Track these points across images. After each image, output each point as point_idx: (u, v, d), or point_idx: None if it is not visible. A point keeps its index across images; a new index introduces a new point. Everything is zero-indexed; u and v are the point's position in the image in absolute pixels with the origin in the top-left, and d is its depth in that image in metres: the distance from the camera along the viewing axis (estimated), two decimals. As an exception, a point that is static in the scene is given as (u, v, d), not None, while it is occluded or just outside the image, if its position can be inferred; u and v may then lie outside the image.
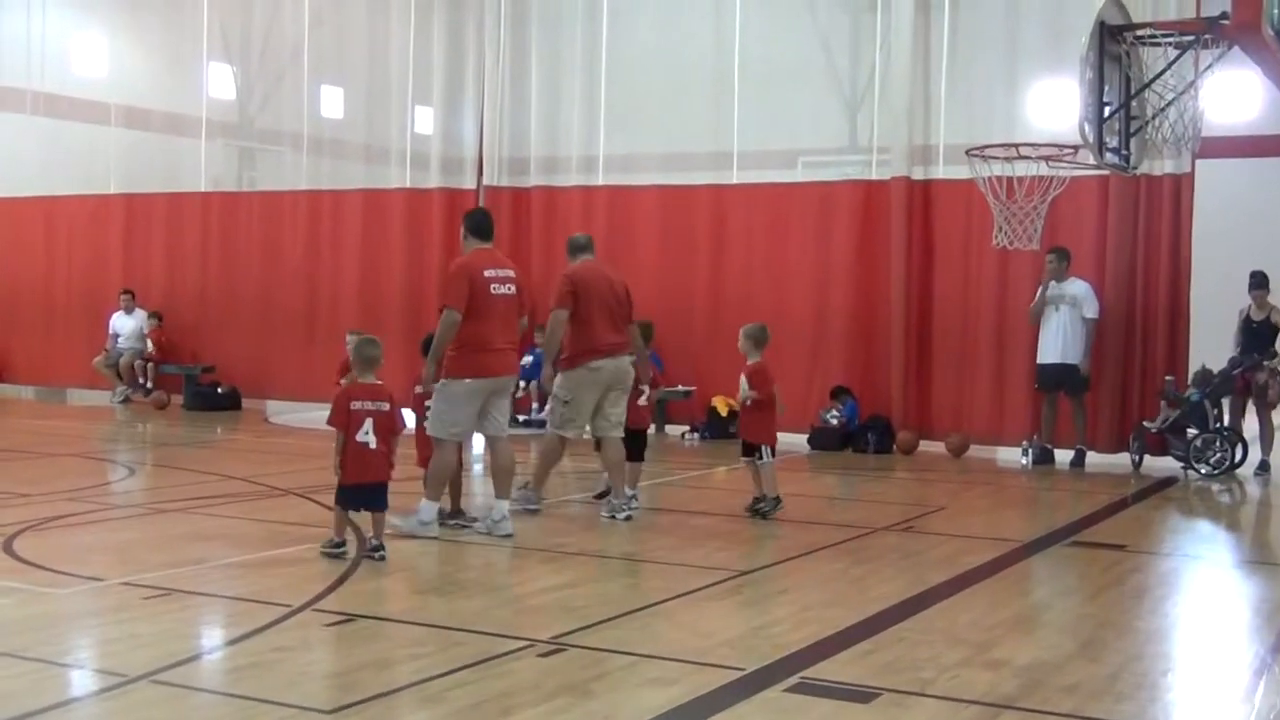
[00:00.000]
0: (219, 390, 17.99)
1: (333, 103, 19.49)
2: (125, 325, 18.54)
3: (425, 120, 17.83)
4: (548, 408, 10.27)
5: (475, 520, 9.15)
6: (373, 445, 7.72)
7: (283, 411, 17.45)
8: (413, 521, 8.77)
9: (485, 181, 16.98)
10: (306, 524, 9.17)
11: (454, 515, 9.22)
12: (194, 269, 18.70)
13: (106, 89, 19.93)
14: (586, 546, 8.77)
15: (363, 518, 8.09)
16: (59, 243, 19.52)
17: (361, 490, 7.81)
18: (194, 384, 18.03)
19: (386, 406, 7.83)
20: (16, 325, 19.42)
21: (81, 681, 5.68)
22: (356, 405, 7.77)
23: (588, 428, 9.91)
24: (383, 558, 7.83)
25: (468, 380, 8.79)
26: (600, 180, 16.48)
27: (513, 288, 9.04)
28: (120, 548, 8.55)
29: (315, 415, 16.97)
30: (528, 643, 6.08)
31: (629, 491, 9.91)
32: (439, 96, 17.52)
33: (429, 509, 8.83)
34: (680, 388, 15.64)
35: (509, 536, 8.82)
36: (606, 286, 9.75)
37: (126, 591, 7.09)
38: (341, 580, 7.38)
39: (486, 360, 8.84)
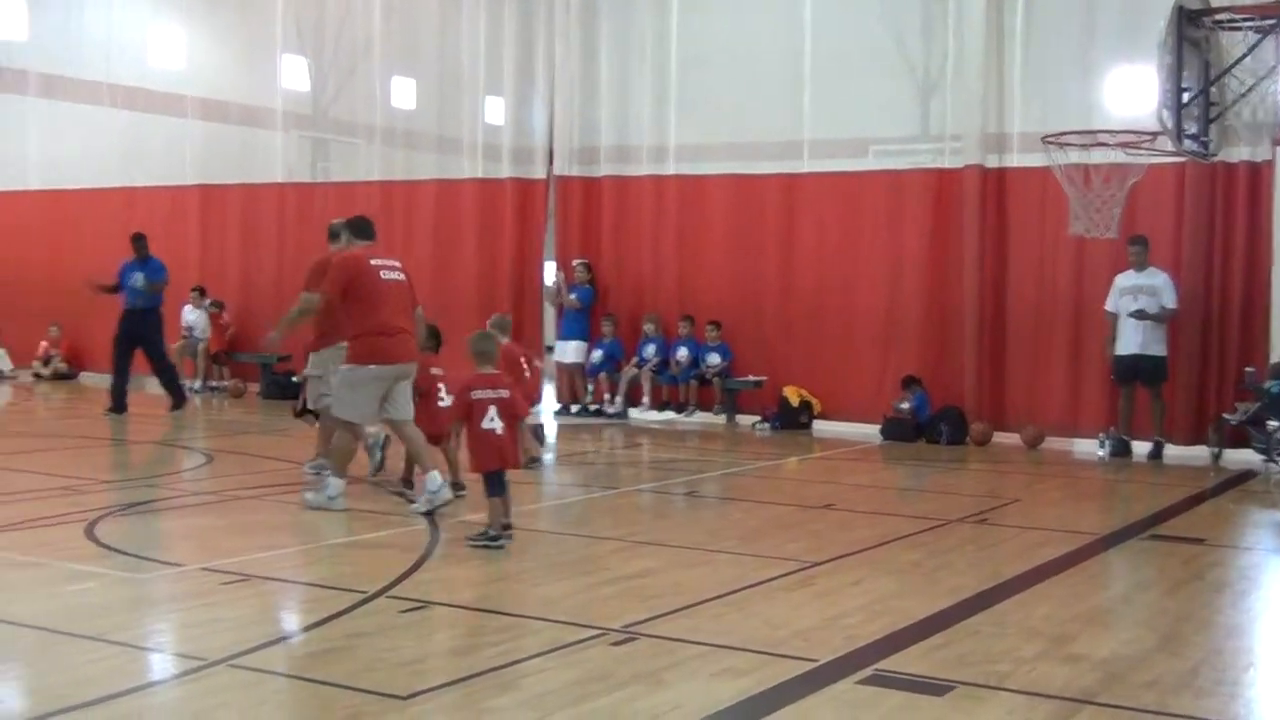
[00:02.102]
0: (294, 379, 18.16)
1: (405, 94, 19.60)
2: (195, 318, 18.83)
3: (496, 110, 17.91)
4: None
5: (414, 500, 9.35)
6: (499, 431, 7.94)
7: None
8: (322, 497, 9.19)
9: (556, 171, 17.04)
10: (379, 511, 9.27)
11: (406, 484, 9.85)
12: (269, 259, 18.92)
13: (184, 82, 20.18)
14: (657, 536, 8.78)
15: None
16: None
17: (500, 475, 8.01)
18: (269, 373, 18.24)
19: (506, 394, 8.08)
20: (97, 314, 19.70)
21: (162, 665, 5.76)
22: (478, 395, 8.01)
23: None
24: (510, 539, 8.05)
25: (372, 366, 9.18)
26: (670, 169, 16.47)
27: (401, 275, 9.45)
28: (199, 534, 8.68)
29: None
30: (600, 631, 6.09)
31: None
32: (510, 87, 17.60)
33: (337, 484, 9.22)
34: (751, 378, 15.61)
35: (449, 502, 9.02)
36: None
37: (205, 577, 7.19)
38: (415, 567, 7.44)
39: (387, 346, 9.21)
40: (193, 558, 7.77)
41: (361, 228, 9.86)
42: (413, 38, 19.06)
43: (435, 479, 9.04)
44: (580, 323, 16.69)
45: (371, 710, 5.00)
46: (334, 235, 10.94)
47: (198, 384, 18.63)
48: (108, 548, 7.85)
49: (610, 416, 16.16)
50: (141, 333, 15.38)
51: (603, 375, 16.49)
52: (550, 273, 17.34)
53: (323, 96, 20.46)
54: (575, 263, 16.73)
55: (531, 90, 17.41)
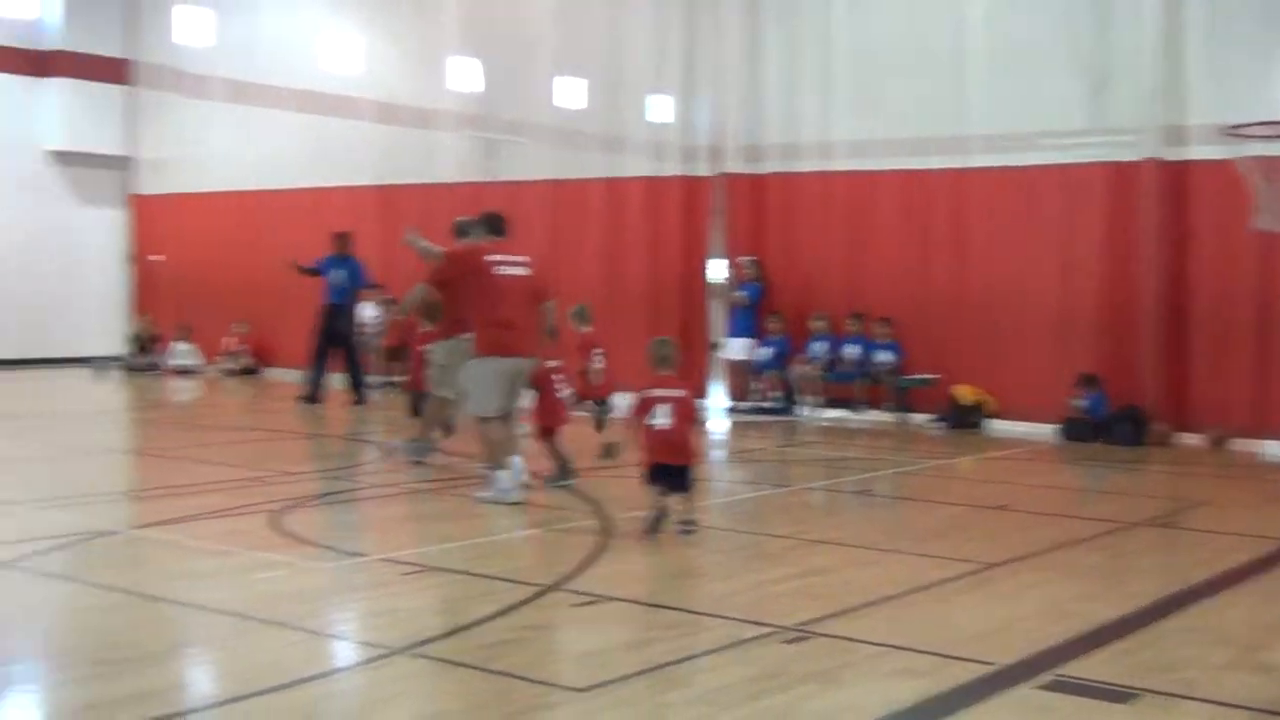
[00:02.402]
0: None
1: (573, 93, 19.81)
2: (369, 315, 19.27)
3: (663, 109, 17.99)
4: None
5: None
6: (668, 427, 8.24)
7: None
8: (494, 492, 9.40)
9: (722, 168, 17.05)
10: (555, 505, 9.39)
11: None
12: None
13: (360, 85, 20.69)
14: (829, 535, 8.73)
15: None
16: (323, 233, 20.37)
17: (667, 471, 8.27)
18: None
19: (682, 394, 8.44)
20: (284, 312, 20.31)
21: (346, 652, 5.93)
22: (653, 394, 8.41)
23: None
24: (692, 531, 8.28)
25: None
26: (837, 165, 16.34)
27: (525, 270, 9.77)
28: (380, 525, 8.92)
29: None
30: (773, 629, 6.08)
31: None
32: (676, 84, 17.65)
33: (504, 477, 9.42)
34: (922, 375, 15.40)
35: (520, 504, 9.39)
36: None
37: (386, 567, 7.37)
38: (589, 562, 7.52)
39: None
40: (374, 549, 7.98)
41: (494, 224, 10.14)
42: (581, 37, 19.23)
43: (508, 472, 9.41)
44: (748, 320, 16.67)
45: (549, 701, 5.07)
46: (461, 232, 11.23)
47: (376, 380, 19.07)
48: (294, 537, 8.11)
49: (779, 414, 16.11)
50: (339, 328, 16.13)
51: (771, 372, 16.45)
52: (719, 270, 17.35)
53: (493, 97, 20.79)
54: (744, 260, 16.72)
55: (698, 88, 17.45)
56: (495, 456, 9.55)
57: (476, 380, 9.60)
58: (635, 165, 18.03)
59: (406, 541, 8.17)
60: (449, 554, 7.79)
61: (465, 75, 20.50)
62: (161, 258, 23.05)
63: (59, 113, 23.23)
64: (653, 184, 17.59)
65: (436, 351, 11.15)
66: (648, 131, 17.98)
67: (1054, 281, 14.70)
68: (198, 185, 22.34)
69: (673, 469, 8.24)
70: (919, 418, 15.35)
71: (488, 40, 20.23)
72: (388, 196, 19.89)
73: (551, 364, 10.17)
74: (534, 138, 19.56)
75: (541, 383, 10.03)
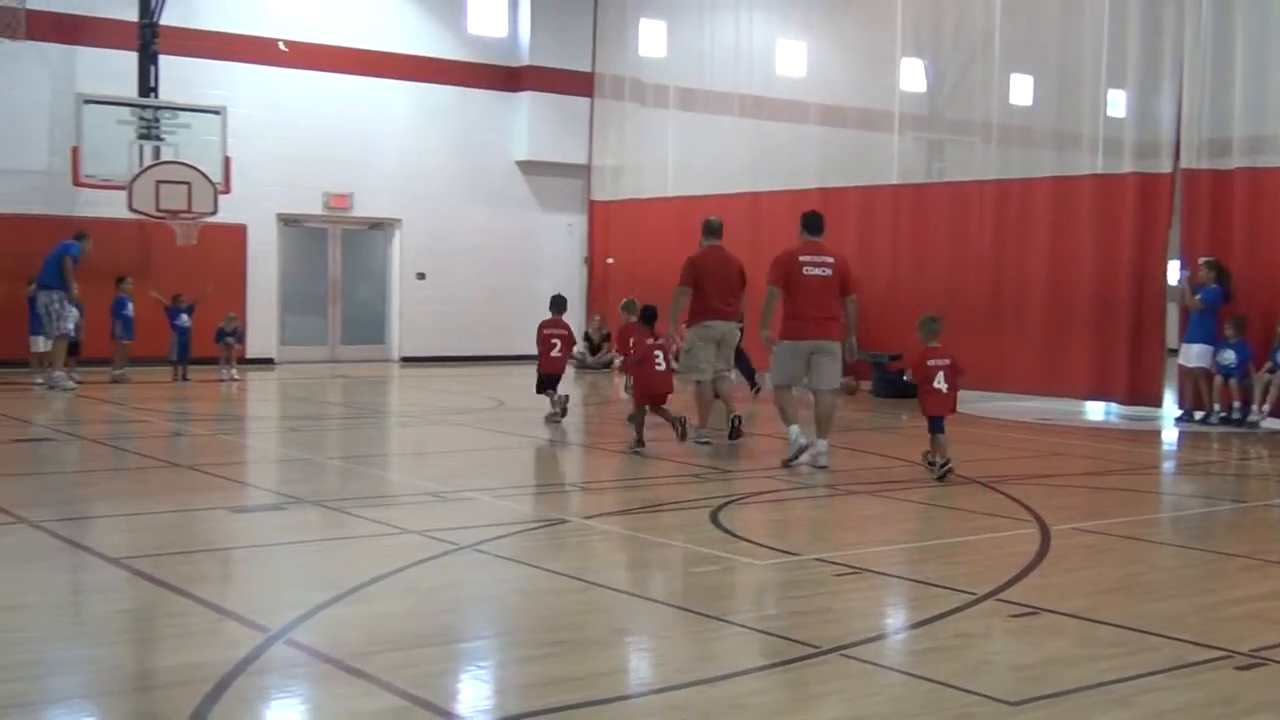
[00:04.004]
0: (905, 378, 18.35)
1: (1022, 90, 19.29)
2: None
3: (1118, 103, 17.22)
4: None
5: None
6: (944, 390, 10.80)
7: (971, 400, 17.51)
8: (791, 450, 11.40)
9: (1182, 164, 16.11)
10: (992, 513, 9.20)
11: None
12: (884, 259, 19.23)
13: (806, 89, 20.94)
14: (1293, 556, 8.11)
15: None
16: (762, 236, 20.78)
17: (939, 421, 10.82)
18: (882, 371, 18.55)
19: (948, 361, 10.89)
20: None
21: (777, 649, 6.01)
22: (931, 363, 10.86)
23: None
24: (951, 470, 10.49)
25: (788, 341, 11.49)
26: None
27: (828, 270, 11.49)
28: (814, 525, 9.01)
29: (1002, 405, 16.98)
30: (1224, 653, 5.72)
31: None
32: (1133, 78, 16.85)
33: (795, 430, 11.40)
34: None
35: (825, 469, 11.07)
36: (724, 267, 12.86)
37: (819, 567, 7.43)
38: (1027, 571, 7.32)
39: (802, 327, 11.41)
40: (807, 548, 8.07)
41: (810, 223, 11.91)
42: (1032, 33, 18.72)
43: (793, 432, 11.37)
44: (1205, 325, 15.68)
45: (981, 713, 4.97)
46: (710, 231, 13.21)
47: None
48: (730, 533, 8.31)
49: (1239, 424, 15.09)
50: None
51: (1231, 381, 15.42)
52: (1174, 272, 16.45)
53: (939, 97, 20.55)
54: (1201, 261, 15.74)
55: (1157, 80, 16.57)
56: (783, 418, 11.53)
57: (778, 358, 11.56)
58: (1087, 162, 17.35)
59: (841, 542, 8.22)
60: (884, 557, 7.77)
61: (912, 75, 20.37)
62: (612, 260, 24.18)
63: (527, 125, 24.80)
64: (1105, 181, 16.87)
65: (688, 337, 12.86)
66: (1101, 127, 17.26)
67: None
68: (649, 191, 23.28)
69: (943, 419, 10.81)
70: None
71: (934, 40, 20.03)
72: (831, 198, 20.00)
73: (650, 342, 12.59)
74: (981, 137, 19.19)
75: (642, 356, 12.41)
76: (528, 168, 25.07)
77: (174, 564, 7.29)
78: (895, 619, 6.70)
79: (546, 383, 14.73)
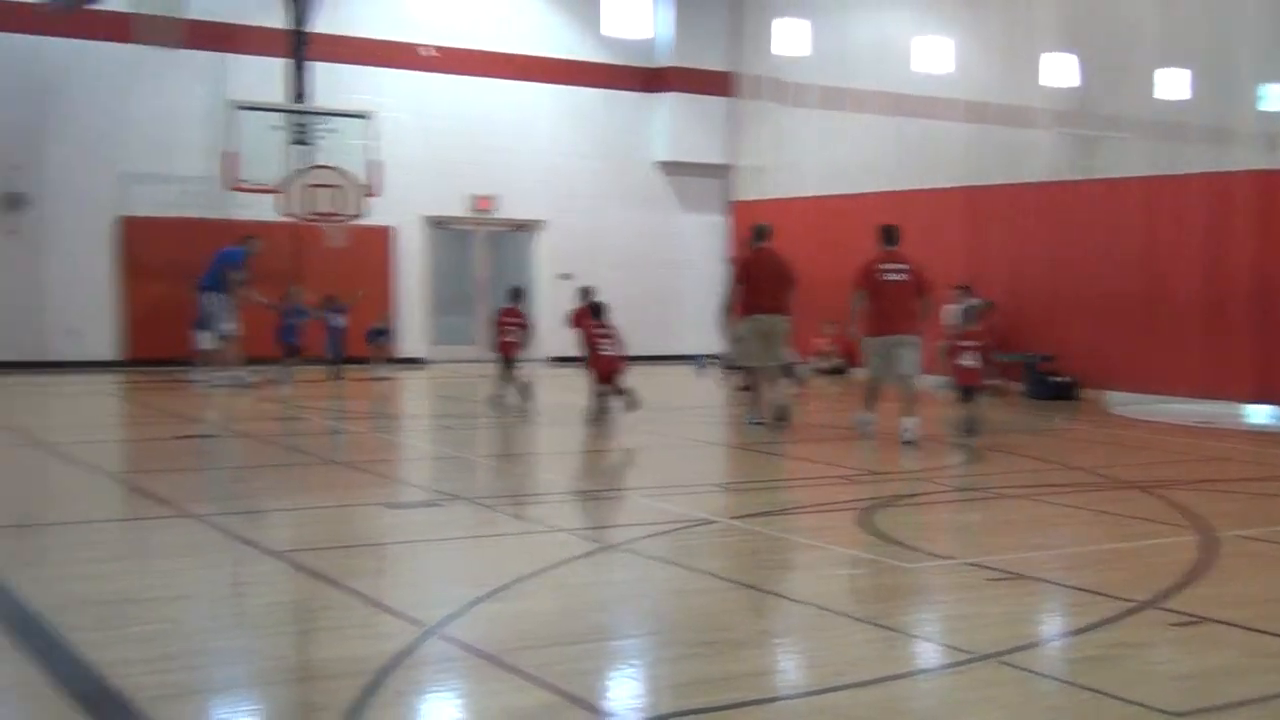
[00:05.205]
0: (1057, 379, 18.04)
1: (1176, 85, 18.78)
2: (954, 317, 19.12)
3: (1278, 98, 16.69)
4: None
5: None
6: (972, 366, 13.34)
7: (1126, 403, 17.15)
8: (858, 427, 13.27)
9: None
10: (1150, 519, 8.96)
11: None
12: (1033, 258, 18.87)
13: (950, 85, 20.65)
14: None
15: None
16: (905, 235, 20.51)
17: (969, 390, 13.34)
18: (1033, 372, 18.22)
19: (980, 343, 13.39)
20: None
21: (929, 653, 5.93)
22: (963, 343, 13.45)
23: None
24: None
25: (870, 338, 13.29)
26: None
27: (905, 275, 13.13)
28: (966, 528, 8.88)
29: (1159, 408, 16.54)
30: (1403, 667, 5.49)
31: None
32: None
33: (868, 417, 13.26)
34: None
35: (910, 444, 12.40)
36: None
37: (972, 572, 7.31)
38: (1190, 580, 7.11)
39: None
40: (960, 551, 7.95)
41: (887, 235, 13.51)
42: (1187, 26, 18.21)
43: (872, 415, 13.18)
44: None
45: (1143, 724, 4.85)
46: (758, 235, 14.47)
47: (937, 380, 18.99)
48: (880, 536, 8.22)
49: None
50: None
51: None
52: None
53: (1088, 92, 20.11)
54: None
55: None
56: (866, 402, 13.27)
57: (867, 351, 13.47)
58: (1244, 158, 16.82)
59: (994, 547, 8.08)
60: (1038, 562, 7.61)
61: (1059, 70, 19.96)
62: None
63: (668, 125, 24.87)
64: (1261, 178, 16.32)
65: (738, 330, 14.30)
66: (1259, 122, 16.72)
67: None
68: (790, 190, 23.16)
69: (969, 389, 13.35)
70: None
71: (1084, 33, 19.61)
72: (975, 197, 19.70)
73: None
74: (1132, 132, 18.74)
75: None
76: (669, 168, 25.13)
77: (332, 558, 7.46)
78: (1051, 626, 6.56)
79: (503, 364, 16.36)
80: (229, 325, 18.05)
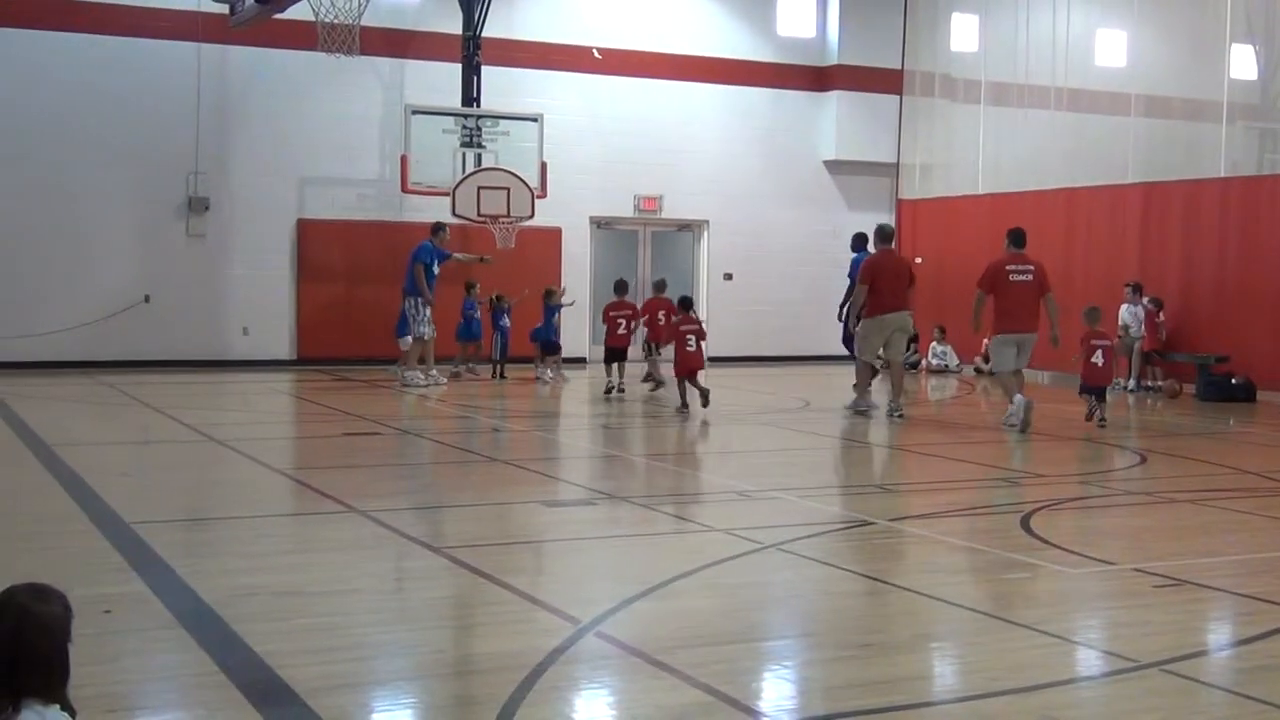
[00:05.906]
0: (1233, 381, 17.45)
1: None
2: (1129, 316, 18.65)
3: None
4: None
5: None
6: (1101, 364, 14.11)
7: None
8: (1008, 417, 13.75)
9: None
10: (1328, 527, 8.63)
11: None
12: (1210, 257, 18.28)
13: (1126, 79, 20.11)
14: None
15: None
16: (1076, 235, 20.08)
17: (1099, 389, 14.16)
18: (1207, 374, 17.65)
19: (1108, 343, 14.39)
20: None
21: (1090, 661, 5.81)
22: (1094, 342, 14.10)
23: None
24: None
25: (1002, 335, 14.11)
26: None
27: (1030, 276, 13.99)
28: (1132, 534, 8.65)
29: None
30: None
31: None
32: None
33: (1014, 405, 13.65)
34: None
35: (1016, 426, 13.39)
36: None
37: (1137, 578, 7.14)
38: (1368, 591, 6.84)
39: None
40: (1125, 557, 7.76)
41: (1015, 238, 14.29)
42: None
43: (1014, 405, 13.57)
44: None
45: (1313, 738, 4.69)
46: (883, 237, 15.37)
47: (1131, 383, 18.50)
48: (1041, 540, 8.07)
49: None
50: None
51: None
52: None
53: (1273, 85, 19.39)
54: None
55: None
56: (1008, 394, 13.83)
57: (996, 348, 14.23)
58: None
59: (1162, 553, 7.87)
60: (1208, 569, 7.40)
61: (1242, 62, 19.31)
62: (919, 260, 23.80)
63: (835, 124, 24.69)
64: None
65: (864, 326, 15.00)
66: None
67: None
68: (958, 188, 22.81)
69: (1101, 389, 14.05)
70: None
71: (1269, 25, 18.92)
72: (1153, 193, 19.15)
73: (685, 328, 15.12)
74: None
75: (676, 338, 15.11)
76: (835, 167, 24.95)
77: (491, 554, 7.61)
78: (1219, 634, 6.38)
79: (611, 356, 17.29)
80: (424, 328, 18.46)
